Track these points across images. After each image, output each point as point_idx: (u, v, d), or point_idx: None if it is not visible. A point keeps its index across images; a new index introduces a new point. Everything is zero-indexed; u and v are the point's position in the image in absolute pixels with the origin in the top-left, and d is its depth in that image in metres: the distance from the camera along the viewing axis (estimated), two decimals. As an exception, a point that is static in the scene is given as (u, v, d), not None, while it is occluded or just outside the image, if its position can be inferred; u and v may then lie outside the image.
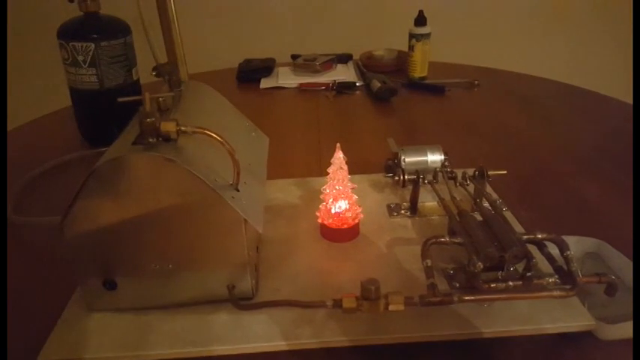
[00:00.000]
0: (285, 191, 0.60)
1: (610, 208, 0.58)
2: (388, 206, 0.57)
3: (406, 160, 0.58)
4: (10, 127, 0.90)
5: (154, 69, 0.45)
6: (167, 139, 0.37)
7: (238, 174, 0.40)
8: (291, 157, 0.74)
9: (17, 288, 0.48)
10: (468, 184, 0.55)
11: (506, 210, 0.56)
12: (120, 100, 0.39)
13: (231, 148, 0.39)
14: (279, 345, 0.39)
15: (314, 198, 0.54)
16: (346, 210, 0.50)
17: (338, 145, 0.49)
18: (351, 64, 1.21)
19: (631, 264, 0.46)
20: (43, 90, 1.24)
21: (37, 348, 0.39)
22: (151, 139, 0.37)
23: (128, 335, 0.40)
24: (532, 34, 1.51)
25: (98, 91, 0.74)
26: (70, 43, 0.72)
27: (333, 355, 0.39)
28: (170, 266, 0.41)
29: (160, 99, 0.42)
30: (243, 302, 0.41)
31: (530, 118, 0.88)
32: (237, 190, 0.40)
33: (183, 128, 0.37)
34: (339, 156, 0.49)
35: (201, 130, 0.38)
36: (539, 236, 0.43)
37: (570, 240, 0.45)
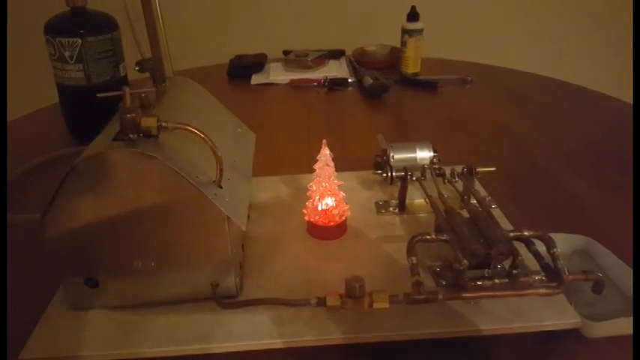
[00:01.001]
0: (273, 188, 0.60)
1: (600, 205, 0.58)
2: (376, 203, 0.56)
3: (395, 156, 0.57)
4: (-2, 123, 0.89)
5: (138, 64, 0.45)
6: (148, 135, 0.37)
7: (221, 171, 0.39)
8: (281, 154, 0.74)
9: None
10: (456, 182, 0.54)
11: (495, 207, 0.55)
12: (99, 95, 0.39)
13: (213, 144, 0.38)
14: (263, 343, 0.39)
15: (302, 195, 0.54)
16: (333, 207, 0.49)
17: (324, 141, 0.49)
18: (343, 60, 1.20)
19: (619, 261, 0.45)
20: (30, 86, 1.23)
21: (19, 346, 0.38)
22: (131, 135, 0.36)
23: (111, 333, 0.40)
24: (526, 30, 1.50)
25: (85, 87, 0.73)
26: (57, 39, 0.71)
27: (317, 353, 0.39)
28: (152, 264, 0.40)
29: (143, 94, 0.42)
30: (226, 300, 0.41)
31: (522, 115, 0.87)
32: (220, 187, 0.39)
33: (164, 124, 0.37)
34: (325, 153, 0.48)
35: (183, 126, 0.37)
36: (526, 233, 0.42)
37: (558, 237, 0.44)
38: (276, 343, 0.39)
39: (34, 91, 1.09)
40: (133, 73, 0.77)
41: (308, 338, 0.39)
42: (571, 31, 1.51)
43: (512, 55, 1.39)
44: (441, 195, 0.50)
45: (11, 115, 0.92)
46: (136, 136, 0.37)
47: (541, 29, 1.50)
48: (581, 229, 0.50)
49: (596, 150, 0.72)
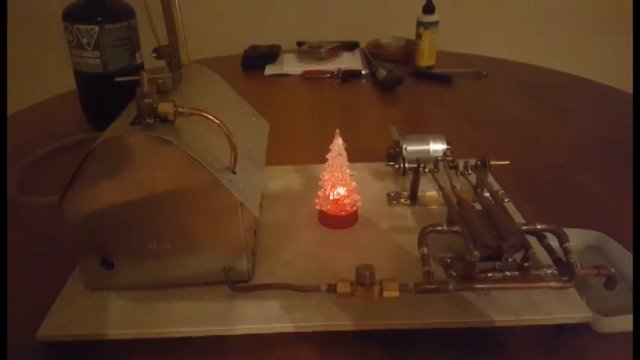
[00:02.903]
0: (286, 177, 0.60)
1: (613, 201, 0.58)
2: (388, 195, 0.56)
3: (408, 148, 0.57)
4: (16, 109, 0.91)
5: (155, 50, 0.45)
6: (165, 120, 0.37)
7: (235, 157, 0.39)
8: (294, 144, 0.74)
9: (18, 265, 0.49)
10: (469, 174, 0.54)
11: (507, 201, 0.55)
12: (117, 79, 0.39)
13: (228, 130, 0.38)
14: (273, 327, 0.39)
15: (314, 185, 0.54)
16: (344, 197, 0.49)
17: (337, 131, 0.49)
18: (357, 52, 1.20)
19: (632, 257, 0.45)
20: (48, 72, 1.25)
21: (36, 324, 0.39)
22: (148, 120, 0.37)
23: (125, 314, 0.41)
24: (542, 25, 1.48)
25: (102, 74, 0.74)
26: (75, 26, 0.72)
27: (327, 338, 0.39)
28: (167, 247, 0.41)
29: (159, 80, 0.42)
30: (238, 285, 0.41)
31: (537, 110, 0.87)
32: (234, 173, 0.40)
33: (180, 109, 0.37)
34: (338, 142, 0.48)
35: (199, 112, 0.38)
36: (539, 227, 0.42)
37: (572, 232, 0.44)
38: (287, 327, 0.39)
39: (52, 77, 1.11)
40: (149, 62, 0.78)
41: (316, 324, 0.39)
42: (586, 26, 1.48)
43: (528, 50, 1.37)
44: (453, 187, 0.50)
45: (28, 101, 0.94)
46: (152, 120, 0.37)
47: (556, 24, 1.48)
48: (594, 224, 0.50)
49: (610, 146, 0.71)
